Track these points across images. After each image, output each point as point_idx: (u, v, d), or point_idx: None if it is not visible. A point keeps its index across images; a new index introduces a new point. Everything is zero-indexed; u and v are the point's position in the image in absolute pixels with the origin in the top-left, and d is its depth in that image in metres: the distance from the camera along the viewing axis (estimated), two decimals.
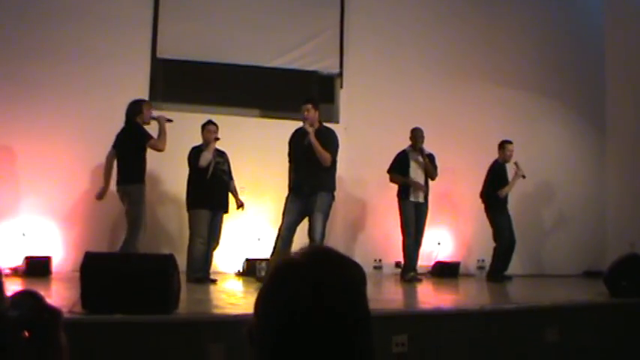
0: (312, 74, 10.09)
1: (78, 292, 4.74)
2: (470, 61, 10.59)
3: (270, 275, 1.34)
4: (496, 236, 9.26)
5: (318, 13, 10.17)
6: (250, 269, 8.87)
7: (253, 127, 9.59)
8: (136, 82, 9.15)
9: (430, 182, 8.98)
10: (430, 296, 7.71)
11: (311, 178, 7.35)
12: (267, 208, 9.40)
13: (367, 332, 1.31)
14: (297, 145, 7.52)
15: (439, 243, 9.93)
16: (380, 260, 9.37)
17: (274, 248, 7.37)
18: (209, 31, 9.61)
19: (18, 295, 1.41)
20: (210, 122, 8.12)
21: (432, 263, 9.72)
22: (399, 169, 8.94)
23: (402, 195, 8.91)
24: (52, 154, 8.60)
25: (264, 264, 8.86)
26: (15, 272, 7.97)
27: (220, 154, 8.17)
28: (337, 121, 9.73)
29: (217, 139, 7.96)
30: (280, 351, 1.26)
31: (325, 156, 7.33)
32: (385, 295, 7.14)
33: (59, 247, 8.57)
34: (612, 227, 10.81)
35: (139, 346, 4.49)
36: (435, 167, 8.97)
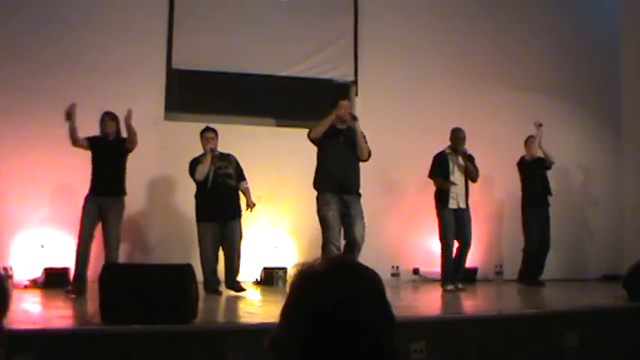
0: (327, 82, 10.10)
1: (96, 303, 4.78)
2: (483, 67, 10.56)
3: (293, 287, 1.36)
4: (524, 235, 9.38)
5: (332, 22, 10.18)
6: (268, 278, 8.90)
7: (269, 136, 9.61)
8: (152, 93, 9.22)
9: (471, 185, 8.64)
10: (448, 302, 7.68)
11: (348, 176, 7.43)
12: (284, 216, 9.41)
13: (392, 338, 1.32)
14: (333, 141, 7.51)
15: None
16: (397, 267, 9.33)
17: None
18: (224, 41, 9.65)
19: None
20: (207, 129, 7.85)
21: None
22: (440, 171, 8.47)
23: (441, 201, 8.39)
24: (69, 165, 8.64)
25: (281, 272, 8.90)
26: (34, 284, 8.03)
27: (223, 158, 7.84)
28: None
29: (213, 150, 7.68)
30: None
31: (367, 147, 7.52)
32: (403, 302, 7.12)
33: None
34: (630, 230, 10.69)
35: (158, 356, 4.51)
36: (476, 169, 8.60)
